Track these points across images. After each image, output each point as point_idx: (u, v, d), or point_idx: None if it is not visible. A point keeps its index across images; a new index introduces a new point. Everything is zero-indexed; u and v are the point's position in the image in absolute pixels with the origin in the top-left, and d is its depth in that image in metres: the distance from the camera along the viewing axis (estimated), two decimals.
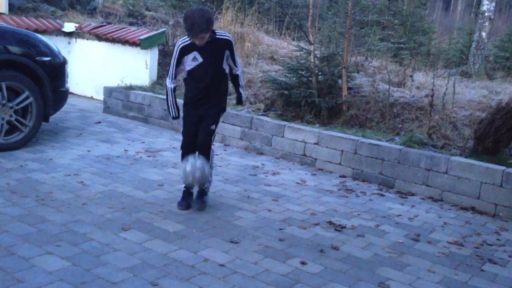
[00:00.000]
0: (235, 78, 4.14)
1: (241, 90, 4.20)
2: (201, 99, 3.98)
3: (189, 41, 3.82)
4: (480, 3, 11.68)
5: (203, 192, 4.13)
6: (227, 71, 4.04)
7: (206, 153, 4.00)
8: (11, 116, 5.07)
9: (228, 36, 3.96)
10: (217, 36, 3.87)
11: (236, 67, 4.08)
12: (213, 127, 4.01)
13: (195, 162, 3.82)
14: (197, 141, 4.00)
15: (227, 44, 3.92)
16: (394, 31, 10.12)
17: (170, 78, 3.98)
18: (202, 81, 3.92)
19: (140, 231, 3.51)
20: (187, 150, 4.04)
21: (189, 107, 4.04)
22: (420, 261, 3.44)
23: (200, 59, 3.86)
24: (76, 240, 3.29)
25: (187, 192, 4.12)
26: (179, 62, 3.92)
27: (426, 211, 4.45)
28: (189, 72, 3.93)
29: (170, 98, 4.05)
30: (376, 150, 5.13)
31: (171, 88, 4.02)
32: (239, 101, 4.28)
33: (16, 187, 4.14)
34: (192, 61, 3.87)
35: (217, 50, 3.88)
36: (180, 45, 3.88)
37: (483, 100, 6.35)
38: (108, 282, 2.80)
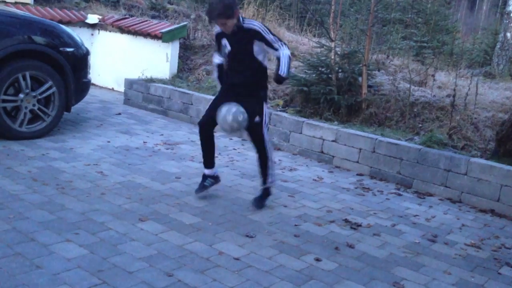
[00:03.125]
0: (278, 60, 3.88)
1: (282, 64, 3.76)
2: (234, 87, 3.95)
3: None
4: (506, 3, 11.47)
5: (266, 193, 4.12)
6: (264, 62, 3.92)
7: (261, 147, 3.96)
8: (34, 105, 5.16)
9: (254, 25, 3.82)
10: (244, 26, 3.80)
11: (276, 50, 3.79)
12: (257, 119, 3.89)
13: (230, 108, 3.76)
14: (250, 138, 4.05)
15: (254, 34, 3.79)
16: (417, 29, 10.00)
17: (215, 53, 4.15)
18: (233, 69, 3.95)
19: (157, 222, 3.55)
20: (202, 126, 4.02)
21: (221, 90, 4.13)
22: (436, 262, 3.41)
23: (229, 47, 3.90)
24: (94, 228, 3.34)
25: (205, 176, 4.17)
26: (219, 45, 4.02)
27: (444, 212, 4.41)
28: (223, 56, 4.03)
29: (214, 73, 4.22)
30: (394, 149, 5.10)
31: (216, 64, 4.15)
32: (275, 75, 3.82)
33: (37, 175, 4.22)
34: (224, 47, 3.96)
35: (243, 40, 3.81)
36: (216, 31, 4.03)
37: (506, 101, 6.25)
38: (125, 271, 2.84)
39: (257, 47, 3.84)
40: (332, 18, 6.76)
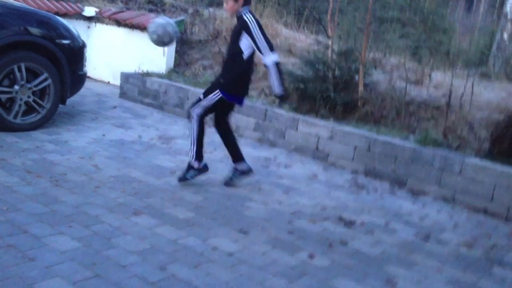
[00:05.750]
0: (267, 68, 4.02)
1: (272, 79, 3.98)
2: (221, 71, 4.29)
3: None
4: (503, 4, 11.49)
5: (188, 167, 4.27)
6: (245, 54, 4.02)
7: (190, 119, 4.20)
8: (29, 97, 5.14)
9: (246, 17, 3.97)
10: (242, 14, 4.01)
11: (262, 54, 3.93)
12: (201, 96, 4.16)
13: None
14: None
15: (243, 25, 3.97)
16: (414, 28, 10.01)
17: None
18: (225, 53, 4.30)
19: (151, 216, 3.55)
20: (216, 126, 4.42)
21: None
22: (428, 260, 3.42)
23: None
24: (88, 222, 3.33)
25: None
26: None
27: (438, 211, 4.43)
28: None
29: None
30: (389, 148, 5.11)
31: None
32: (274, 93, 4.07)
33: (31, 167, 4.20)
34: None
35: (237, 27, 4.05)
36: None
37: (501, 102, 6.26)
38: (118, 264, 2.84)
39: (246, 40, 3.96)
40: (330, 15, 6.76)
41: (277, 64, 3.96)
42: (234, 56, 4.07)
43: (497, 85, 7.33)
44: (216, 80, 4.23)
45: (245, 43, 3.98)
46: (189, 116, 4.21)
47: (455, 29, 12.48)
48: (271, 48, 3.95)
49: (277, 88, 4.01)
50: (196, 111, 4.15)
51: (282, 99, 4.17)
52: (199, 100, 4.17)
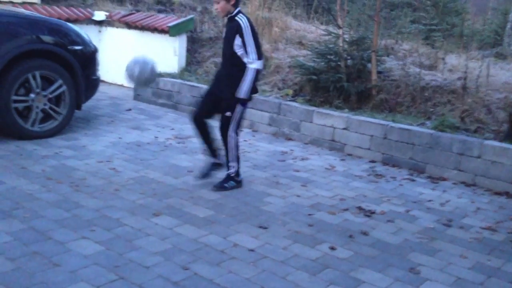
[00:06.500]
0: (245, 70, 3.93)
1: (244, 82, 3.91)
2: (217, 77, 4.20)
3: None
4: None
5: (228, 178, 4.18)
6: (244, 59, 3.94)
7: (224, 141, 4.09)
8: (45, 104, 5.20)
9: (240, 20, 3.90)
10: (235, 17, 3.94)
11: (247, 58, 3.90)
12: (227, 113, 4.02)
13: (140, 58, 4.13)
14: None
15: (236, 27, 3.91)
16: (426, 12, 9.87)
17: None
18: (222, 56, 4.17)
19: (171, 217, 3.57)
20: (193, 119, 4.20)
21: (212, 82, 4.27)
22: (451, 246, 3.39)
23: (224, 35, 4.09)
24: (110, 225, 3.37)
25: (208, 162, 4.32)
26: None
27: (458, 196, 4.38)
28: None
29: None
30: (406, 135, 5.06)
31: None
32: (237, 94, 3.97)
33: (51, 173, 4.26)
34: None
35: (230, 30, 3.98)
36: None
37: None
38: (141, 266, 2.87)
39: (239, 42, 3.93)
40: (339, 4, 6.70)
41: (257, 72, 3.94)
42: (236, 62, 3.95)
43: None
44: (229, 92, 3.99)
45: (237, 46, 3.92)
46: (224, 136, 4.05)
47: (467, 10, 12.28)
48: (259, 56, 3.92)
49: (243, 93, 3.94)
50: (232, 129, 4.04)
51: (239, 102, 4.01)
52: (227, 118, 4.01)
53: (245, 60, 3.92)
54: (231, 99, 4.00)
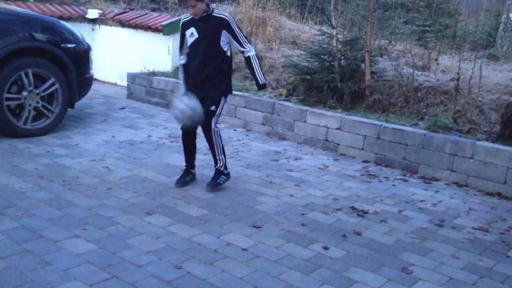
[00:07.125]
0: (247, 61, 4.06)
1: (256, 73, 4.02)
2: (199, 79, 4.01)
3: (189, 17, 3.96)
4: None
5: (218, 173, 4.17)
6: (228, 52, 4.00)
7: (208, 136, 4.05)
8: (37, 102, 5.17)
9: (224, 15, 3.92)
10: (214, 14, 3.90)
11: (244, 47, 3.97)
12: (212, 108, 3.99)
13: (184, 100, 3.85)
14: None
15: (223, 23, 3.89)
16: (419, 13, 9.91)
17: (179, 53, 4.15)
18: (197, 58, 3.97)
19: (164, 216, 3.57)
20: (185, 132, 4.16)
21: (190, 87, 4.09)
22: (444, 246, 3.41)
23: (196, 35, 3.94)
24: (102, 223, 3.36)
25: (187, 170, 4.27)
26: (183, 37, 4.04)
27: (451, 197, 4.40)
28: (189, 47, 4.02)
29: (179, 74, 4.19)
30: (399, 135, 5.08)
31: (180, 64, 4.15)
32: (258, 86, 4.09)
33: (44, 172, 4.24)
34: (190, 36, 3.97)
35: (212, 27, 3.91)
36: (182, 20, 4.04)
37: (510, 83, 6.20)
38: (134, 264, 2.86)
39: (224, 37, 3.93)
40: (333, 5, 6.71)
41: (257, 57, 4.06)
42: (221, 58, 3.97)
43: (505, 66, 7.26)
44: (216, 88, 4.02)
45: (223, 41, 3.93)
46: (207, 131, 4.03)
47: (460, 11, 12.35)
48: (250, 41, 4.02)
49: (263, 79, 4.04)
50: (214, 123, 4.02)
51: (264, 88, 4.22)
52: (212, 112, 3.99)
53: (240, 50, 3.98)
54: (219, 93, 4.03)
